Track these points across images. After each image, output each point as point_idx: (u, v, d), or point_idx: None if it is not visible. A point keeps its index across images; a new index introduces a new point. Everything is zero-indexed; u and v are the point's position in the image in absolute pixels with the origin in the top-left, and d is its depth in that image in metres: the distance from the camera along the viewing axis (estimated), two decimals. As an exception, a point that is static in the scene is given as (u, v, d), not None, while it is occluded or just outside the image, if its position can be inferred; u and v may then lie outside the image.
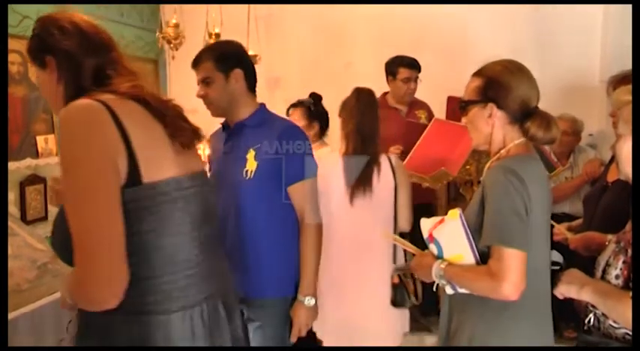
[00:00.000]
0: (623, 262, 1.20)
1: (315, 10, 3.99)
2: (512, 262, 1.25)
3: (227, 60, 1.76)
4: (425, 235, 1.47)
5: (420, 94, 3.22)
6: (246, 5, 3.69)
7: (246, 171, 1.74)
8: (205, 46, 1.95)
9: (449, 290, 1.40)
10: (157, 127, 1.11)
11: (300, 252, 1.76)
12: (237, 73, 1.76)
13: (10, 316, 2.77)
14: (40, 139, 3.13)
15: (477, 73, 1.49)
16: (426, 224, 1.47)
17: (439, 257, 1.43)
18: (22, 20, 2.99)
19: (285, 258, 1.78)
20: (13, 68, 2.97)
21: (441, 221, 1.43)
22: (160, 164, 1.08)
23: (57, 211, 1.14)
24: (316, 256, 1.77)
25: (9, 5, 2.89)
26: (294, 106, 2.85)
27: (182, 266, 1.11)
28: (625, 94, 1.30)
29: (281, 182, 1.74)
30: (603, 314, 1.24)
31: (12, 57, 2.96)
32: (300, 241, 1.77)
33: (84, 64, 1.12)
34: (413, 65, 3.07)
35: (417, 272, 1.53)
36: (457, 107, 3.28)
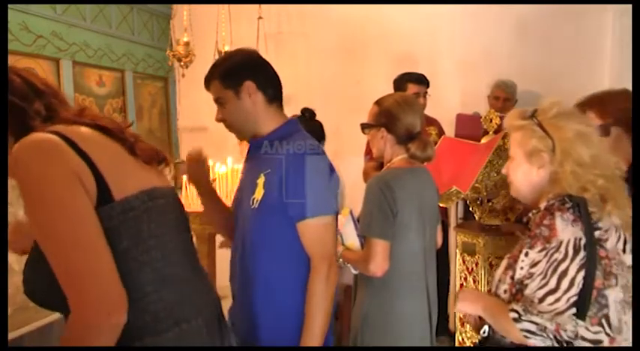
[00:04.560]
0: (510, 277, 1.29)
1: (324, 29, 4.03)
2: (377, 248, 1.69)
3: (234, 74, 1.51)
4: (338, 226, 1.85)
5: (428, 112, 3.22)
6: (256, 23, 3.73)
7: (253, 199, 1.49)
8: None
9: (352, 270, 1.85)
10: (114, 145, 1.09)
11: (306, 300, 1.43)
12: (249, 86, 1.49)
13: (17, 332, 2.76)
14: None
15: (376, 103, 1.88)
16: (339, 219, 1.84)
17: (342, 244, 1.88)
18: (36, 39, 3.05)
19: (295, 309, 1.45)
20: (26, 86, 3.01)
21: (343, 218, 1.87)
22: (127, 179, 1.06)
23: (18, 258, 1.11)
24: (323, 308, 1.42)
25: (24, 24, 2.95)
26: None
27: (168, 281, 1.09)
28: (514, 119, 1.38)
29: (288, 217, 1.45)
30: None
31: (25, 75, 3.01)
32: (308, 285, 1.44)
33: (30, 106, 1.09)
34: (421, 80, 3.07)
35: None
36: (465, 124, 3.28)
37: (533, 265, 1.24)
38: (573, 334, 1.17)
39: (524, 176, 1.35)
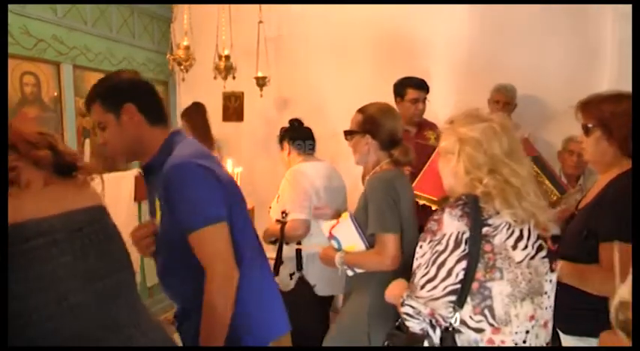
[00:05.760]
0: (417, 266, 1.40)
1: (324, 32, 4.04)
2: (390, 242, 1.77)
3: (114, 96, 1.47)
4: (326, 234, 1.94)
5: (428, 117, 3.22)
6: (256, 27, 3.74)
7: (157, 222, 1.51)
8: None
9: (349, 273, 1.89)
10: None
11: (203, 309, 1.39)
12: (129, 109, 1.46)
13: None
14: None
15: (359, 111, 1.98)
16: (326, 226, 1.94)
17: (339, 249, 1.90)
18: (37, 43, 3.05)
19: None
20: (27, 89, 3.02)
21: (337, 222, 1.91)
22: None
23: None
24: (222, 316, 1.39)
25: (25, 27, 2.96)
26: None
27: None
28: (443, 124, 1.53)
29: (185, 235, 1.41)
30: None
31: (26, 79, 3.02)
32: (204, 295, 1.39)
33: None
34: (421, 86, 3.08)
35: (324, 262, 2.00)
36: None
37: (422, 256, 1.36)
38: (453, 320, 1.29)
39: (442, 173, 1.51)
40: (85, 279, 0.85)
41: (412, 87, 3.07)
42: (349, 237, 1.88)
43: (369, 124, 1.93)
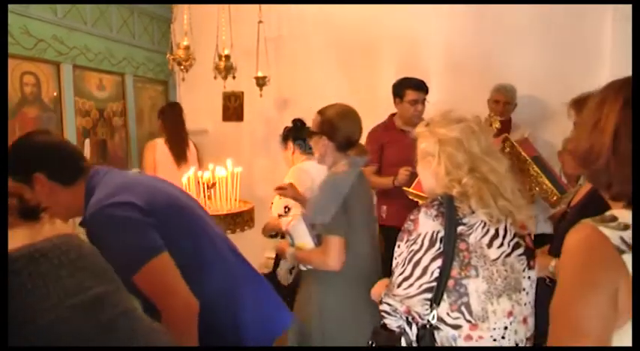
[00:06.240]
0: (395, 265, 1.42)
1: (324, 32, 4.04)
2: (334, 245, 1.85)
3: (22, 170, 1.40)
4: (283, 229, 2.10)
5: (427, 117, 3.22)
6: (256, 27, 3.74)
7: None
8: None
9: (302, 267, 2.03)
10: None
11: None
12: (39, 179, 1.41)
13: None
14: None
15: (319, 112, 2.04)
16: (284, 222, 2.11)
17: (292, 245, 2.05)
18: (37, 43, 3.05)
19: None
20: (27, 89, 3.02)
21: (292, 219, 2.06)
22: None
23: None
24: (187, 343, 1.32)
25: (25, 27, 2.96)
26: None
27: None
28: (418, 127, 1.54)
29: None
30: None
31: (26, 79, 3.02)
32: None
33: None
34: (420, 87, 3.07)
35: (279, 255, 2.20)
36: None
37: (399, 255, 1.38)
38: (430, 317, 1.31)
39: (422, 176, 1.51)
40: (59, 297, 0.93)
41: (411, 88, 3.06)
42: (300, 235, 2.01)
43: (327, 126, 1.99)
